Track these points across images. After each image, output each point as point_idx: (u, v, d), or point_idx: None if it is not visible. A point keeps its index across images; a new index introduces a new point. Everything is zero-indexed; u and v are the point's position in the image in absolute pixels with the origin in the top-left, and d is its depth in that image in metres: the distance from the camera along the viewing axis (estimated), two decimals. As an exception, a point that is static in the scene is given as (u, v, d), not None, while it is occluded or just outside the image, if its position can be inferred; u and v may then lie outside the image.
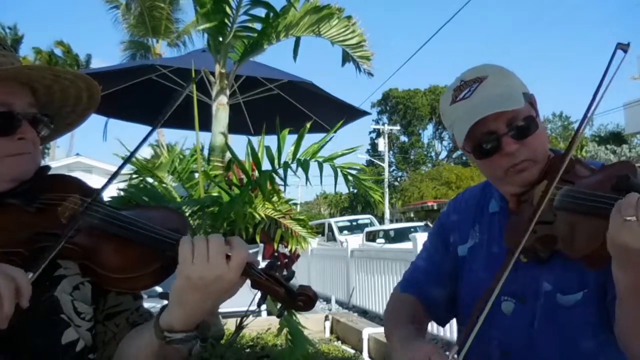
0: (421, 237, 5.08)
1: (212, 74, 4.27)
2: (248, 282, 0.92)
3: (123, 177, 3.84)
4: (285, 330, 3.38)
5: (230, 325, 3.84)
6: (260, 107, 5.81)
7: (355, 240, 11.76)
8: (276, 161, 3.25)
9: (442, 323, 1.51)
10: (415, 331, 1.26)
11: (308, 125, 3.43)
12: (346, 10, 4.35)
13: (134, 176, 3.85)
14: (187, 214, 3.17)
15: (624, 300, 1.01)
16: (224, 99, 4.19)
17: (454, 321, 1.47)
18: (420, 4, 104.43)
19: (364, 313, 7.50)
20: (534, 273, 1.19)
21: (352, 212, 41.60)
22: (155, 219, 0.98)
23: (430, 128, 51.74)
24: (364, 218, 24.17)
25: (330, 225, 21.67)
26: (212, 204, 3.31)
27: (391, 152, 46.28)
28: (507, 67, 1.28)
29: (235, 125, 5.05)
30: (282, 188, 3.60)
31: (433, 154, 52.75)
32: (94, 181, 1.08)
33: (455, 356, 1.05)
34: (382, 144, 40.09)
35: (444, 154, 52.02)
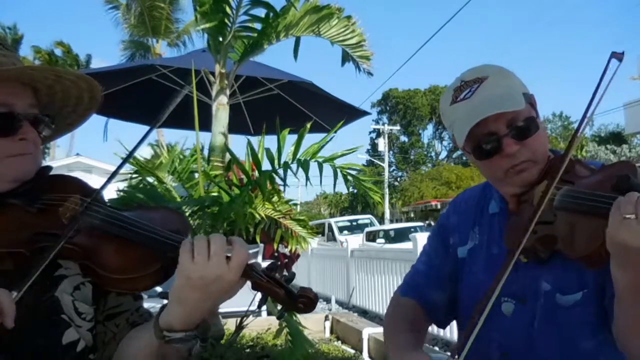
0: (421, 237, 5.08)
1: (212, 74, 4.27)
2: (248, 282, 0.92)
3: (123, 177, 3.85)
4: (285, 331, 3.38)
5: (230, 325, 3.84)
6: (260, 107, 5.80)
7: (355, 240, 11.73)
8: (276, 161, 3.25)
9: (442, 326, 1.50)
10: (412, 339, 1.27)
11: (308, 125, 3.43)
12: (346, 10, 4.35)
13: (134, 176, 3.85)
14: (187, 214, 3.17)
15: (623, 299, 1.01)
16: (224, 99, 4.19)
17: (454, 321, 1.47)
18: (420, 4, 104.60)
19: (364, 313, 7.50)
20: (533, 273, 1.19)
21: (352, 212, 41.59)
22: (156, 219, 0.98)
23: (430, 128, 51.85)
24: (364, 218, 24.16)
25: (330, 225, 21.67)
26: (212, 204, 3.32)
27: (391, 152, 46.28)
28: (507, 67, 1.28)
29: (235, 125, 5.05)
30: (282, 188, 3.60)
31: (433, 154, 52.79)
32: (94, 181, 1.08)
33: (456, 357, 1.05)
34: (382, 144, 40.09)
35: (444, 154, 52.08)
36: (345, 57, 4.63)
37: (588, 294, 1.14)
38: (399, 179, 49.70)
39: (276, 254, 4.05)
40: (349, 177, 3.44)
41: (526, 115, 1.19)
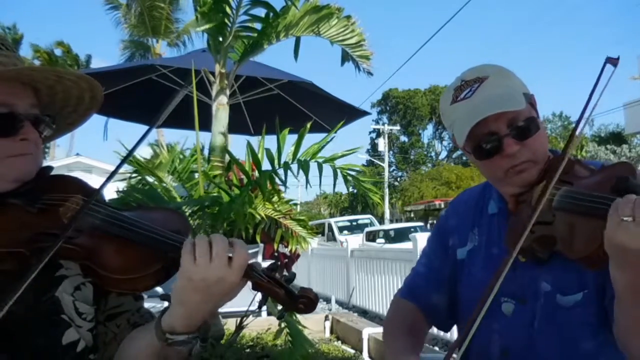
0: (421, 237, 5.08)
1: (212, 74, 4.27)
2: (249, 282, 0.92)
3: (123, 176, 3.85)
4: (285, 331, 3.37)
5: (230, 325, 3.83)
6: (260, 107, 5.80)
7: (355, 240, 11.73)
8: (276, 161, 3.25)
9: (445, 329, 1.49)
10: (410, 344, 1.28)
11: (308, 125, 3.43)
12: (346, 9, 4.35)
13: (134, 175, 3.85)
14: (187, 214, 3.17)
15: (622, 299, 1.01)
16: (224, 99, 4.19)
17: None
18: (420, 3, 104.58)
19: (364, 313, 7.50)
20: (532, 273, 1.20)
21: (352, 212, 41.58)
22: (157, 220, 0.98)
23: (430, 128, 51.84)
24: (364, 218, 24.15)
25: (330, 225, 21.67)
26: (212, 204, 3.31)
27: (391, 152, 46.27)
28: (507, 67, 1.28)
29: (235, 125, 5.05)
30: (282, 188, 3.60)
31: (433, 154, 52.76)
32: (94, 181, 1.08)
33: (455, 355, 1.05)
34: (382, 144, 40.07)
35: (444, 154, 52.06)
36: (345, 57, 4.63)
37: (588, 295, 1.14)
38: (399, 179, 49.67)
39: (276, 254, 4.04)
40: (349, 178, 3.44)
41: (526, 115, 1.19)
